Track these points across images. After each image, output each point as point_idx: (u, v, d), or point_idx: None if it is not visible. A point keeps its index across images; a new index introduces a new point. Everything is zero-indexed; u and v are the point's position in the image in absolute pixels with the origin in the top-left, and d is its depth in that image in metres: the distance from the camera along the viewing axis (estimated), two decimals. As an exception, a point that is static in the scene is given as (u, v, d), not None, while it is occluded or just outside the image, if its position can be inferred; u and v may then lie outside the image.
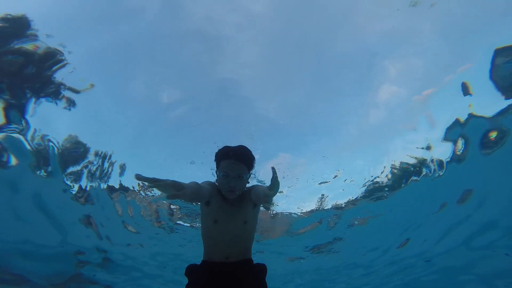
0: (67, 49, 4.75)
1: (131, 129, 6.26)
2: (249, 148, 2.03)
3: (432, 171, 6.29)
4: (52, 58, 4.77)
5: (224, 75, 5.99)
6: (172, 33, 5.42)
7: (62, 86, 5.09)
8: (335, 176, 6.81)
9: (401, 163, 6.45)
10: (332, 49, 5.73)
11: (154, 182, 1.28)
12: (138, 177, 1.24)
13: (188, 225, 7.69)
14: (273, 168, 1.53)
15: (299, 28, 5.55)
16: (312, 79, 6.18)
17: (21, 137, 5.30)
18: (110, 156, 6.06)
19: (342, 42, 5.60)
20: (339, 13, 5.31)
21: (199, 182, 1.91)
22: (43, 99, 5.10)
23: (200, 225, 1.92)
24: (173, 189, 1.35)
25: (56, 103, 5.21)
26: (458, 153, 5.83)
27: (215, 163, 2.01)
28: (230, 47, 5.68)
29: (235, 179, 1.85)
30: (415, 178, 6.55)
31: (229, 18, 5.34)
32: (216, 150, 2.02)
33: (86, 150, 5.90)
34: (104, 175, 6.31)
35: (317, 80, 6.18)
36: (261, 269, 2.12)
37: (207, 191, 1.85)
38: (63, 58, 4.80)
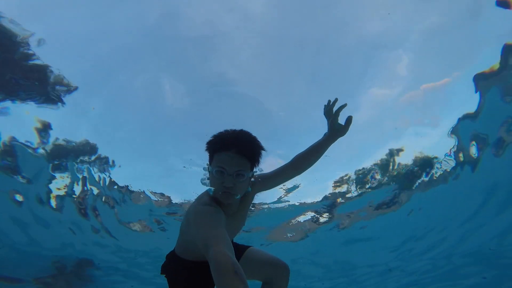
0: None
1: (132, 131, 6.27)
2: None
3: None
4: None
5: (221, 74, 5.99)
6: (171, 34, 5.41)
7: (60, 87, 5.07)
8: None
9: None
10: (331, 46, 5.74)
11: None
12: None
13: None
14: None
15: (296, 26, 5.55)
16: (310, 77, 6.17)
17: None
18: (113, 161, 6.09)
19: (342, 39, 5.60)
20: (339, 13, 5.32)
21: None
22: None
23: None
24: None
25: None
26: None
27: (207, 153, 1.44)
28: (228, 47, 5.68)
29: (232, 177, 1.32)
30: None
31: (226, 18, 5.34)
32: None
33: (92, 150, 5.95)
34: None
35: (316, 79, 6.17)
36: (244, 248, 1.79)
37: (222, 215, 1.32)
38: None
